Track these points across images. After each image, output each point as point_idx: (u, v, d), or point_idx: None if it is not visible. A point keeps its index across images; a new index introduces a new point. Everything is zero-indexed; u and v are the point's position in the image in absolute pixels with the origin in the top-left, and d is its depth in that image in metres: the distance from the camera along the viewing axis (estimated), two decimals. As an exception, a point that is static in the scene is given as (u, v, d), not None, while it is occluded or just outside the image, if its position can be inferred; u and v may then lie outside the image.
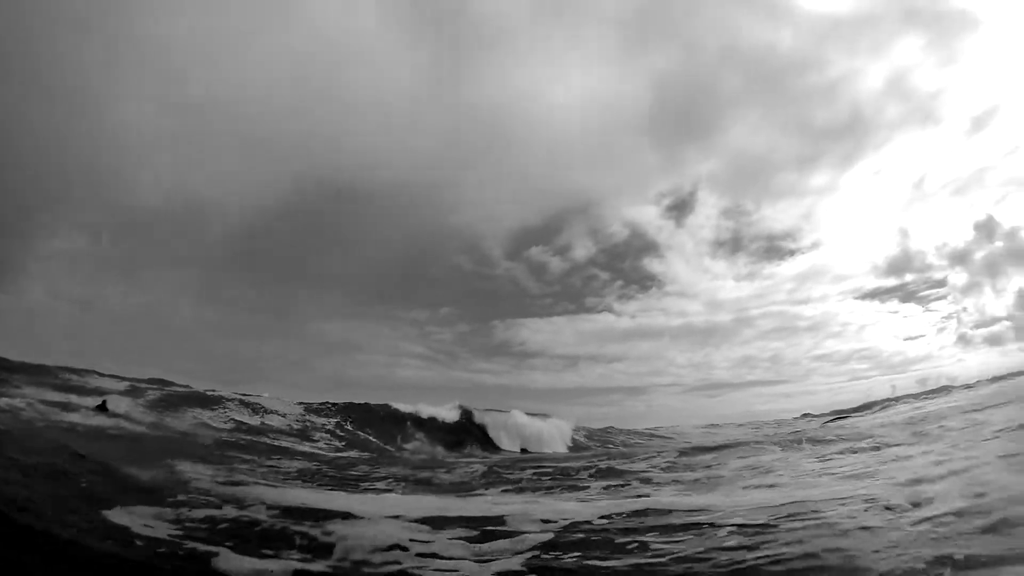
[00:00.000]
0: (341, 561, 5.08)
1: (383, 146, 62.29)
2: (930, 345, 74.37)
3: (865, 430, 16.85)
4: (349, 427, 26.29)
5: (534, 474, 12.35)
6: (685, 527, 6.16)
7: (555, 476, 12.05)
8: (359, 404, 29.98)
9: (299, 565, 4.83)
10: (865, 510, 6.11)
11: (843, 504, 6.49)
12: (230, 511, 6.64)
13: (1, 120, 40.05)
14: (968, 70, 76.54)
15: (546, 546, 5.65)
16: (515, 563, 5.10)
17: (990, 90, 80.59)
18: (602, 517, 6.92)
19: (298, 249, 67.50)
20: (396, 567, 4.96)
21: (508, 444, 31.77)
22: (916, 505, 6.01)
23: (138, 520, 5.69)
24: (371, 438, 25.40)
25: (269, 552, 5.14)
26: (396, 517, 6.73)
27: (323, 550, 5.33)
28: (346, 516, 6.69)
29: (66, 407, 17.10)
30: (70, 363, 25.32)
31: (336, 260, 66.25)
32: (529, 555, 5.33)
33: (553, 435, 34.48)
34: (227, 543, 5.25)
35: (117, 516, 5.74)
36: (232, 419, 22.29)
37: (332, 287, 68.47)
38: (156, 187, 47.89)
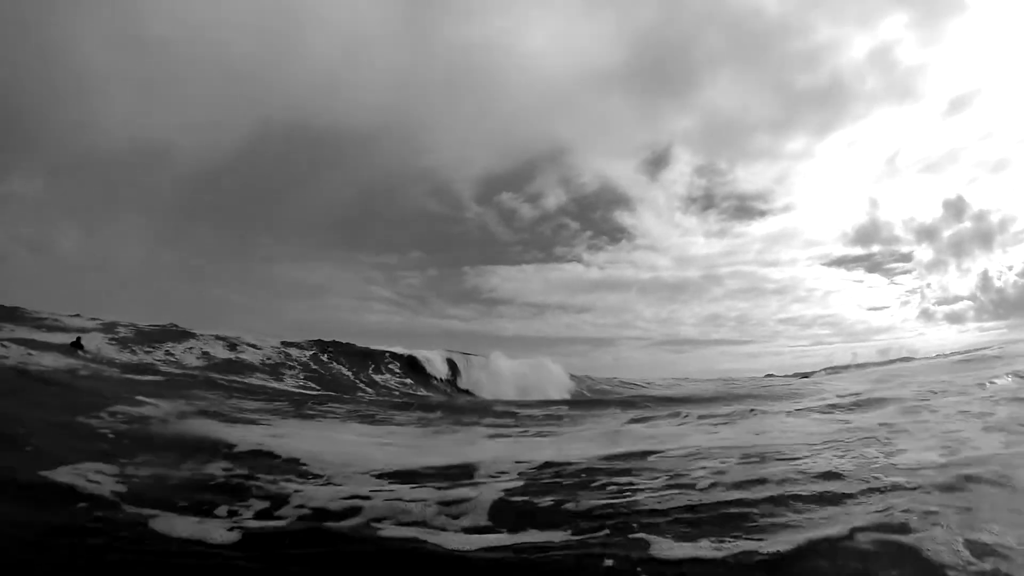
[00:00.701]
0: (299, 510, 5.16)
1: (351, 87, 59.65)
2: (893, 317, 77.69)
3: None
4: (324, 361, 26.60)
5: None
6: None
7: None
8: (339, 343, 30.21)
9: (252, 523, 4.84)
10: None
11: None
12: (184, 462, 6.67)
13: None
14: (951, 51, 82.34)
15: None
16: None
17: (971, 73, 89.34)
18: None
19: (262, 192, 65.87)
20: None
21: (502, 391, 30.80)
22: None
23: (83, 478, 5.68)
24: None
25: (220, 512, 5.13)
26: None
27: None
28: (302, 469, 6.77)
29: (33, 345, 16.89)
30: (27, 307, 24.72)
31: (301, 203, 65.09)
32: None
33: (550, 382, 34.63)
34: (176, 499, 5.28)
35: (64, 475, 5.72)
36: (205, 352, 22.33)
37: (297, 231, 67.34)
38: (115, 128, 45.77)
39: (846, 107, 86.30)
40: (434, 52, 65.88)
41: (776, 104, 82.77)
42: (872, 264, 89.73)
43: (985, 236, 71.01)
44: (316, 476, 6.39)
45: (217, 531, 4.48)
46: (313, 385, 22.01)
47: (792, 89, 78.77)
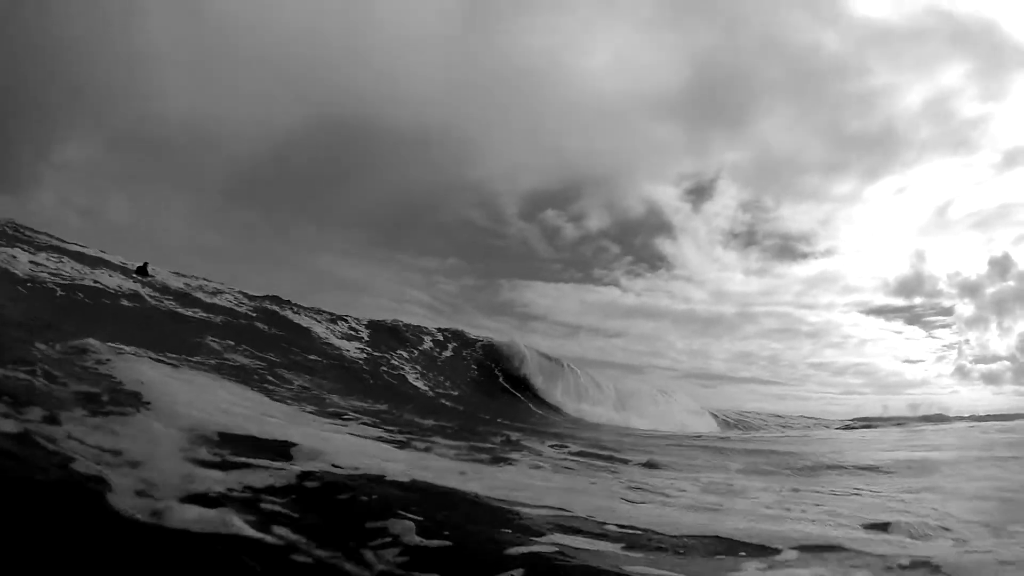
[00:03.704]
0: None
1: (404, 86, 60.06)
2: (927, 372, 73.67)
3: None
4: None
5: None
6: None
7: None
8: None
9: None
10: None
11: None
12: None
13: (25, 27, 39.75)
14: (1012, 104, 72.52)
15: None
16: None
17: None
18: None
19: (308, 184, 67.65)
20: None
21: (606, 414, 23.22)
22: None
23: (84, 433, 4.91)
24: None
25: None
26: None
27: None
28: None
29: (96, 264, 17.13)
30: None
31: (345, 199, 66.15)
32: None
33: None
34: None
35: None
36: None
37: (340, 225, 68.53)
38: (170, 106, 47.46)
39: (898, 153, 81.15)
40: (491, 60, 65.96)
41: (827, 144, 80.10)
42: (911, 316, 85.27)
43: None
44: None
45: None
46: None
47: (844, 131, 75.67)
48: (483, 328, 26.00)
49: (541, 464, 7.72)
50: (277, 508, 3.98)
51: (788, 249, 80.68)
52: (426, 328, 25.05)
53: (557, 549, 3.96)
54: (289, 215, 69.06)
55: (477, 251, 74.10)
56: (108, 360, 7.78)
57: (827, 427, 32.50)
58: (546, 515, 4.80)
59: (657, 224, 79.90)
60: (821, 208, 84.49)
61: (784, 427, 33.40)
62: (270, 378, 11.84)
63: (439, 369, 21.29)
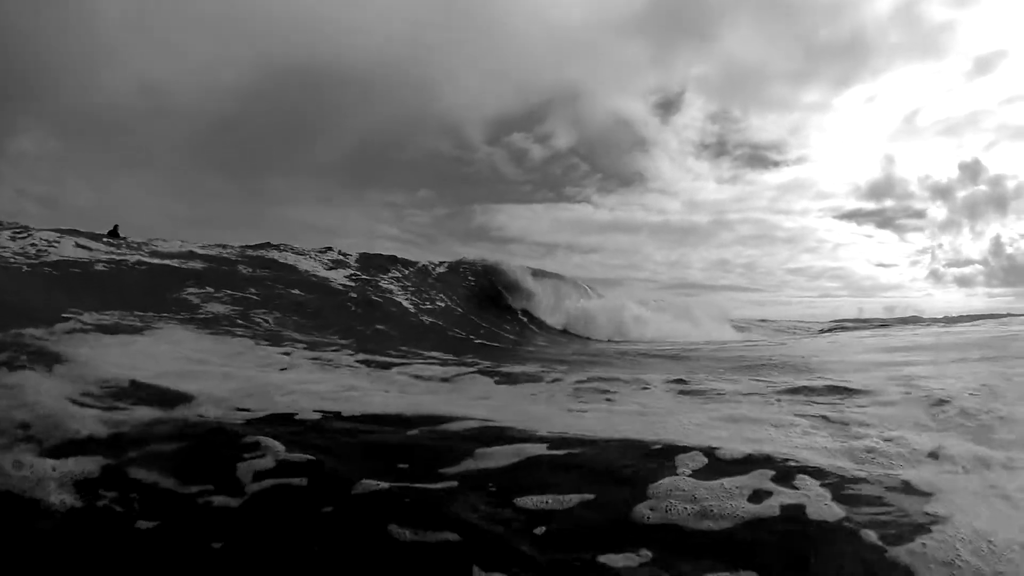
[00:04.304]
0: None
1: (359, 26, 56.02)
2: (901, 275, 74.95)
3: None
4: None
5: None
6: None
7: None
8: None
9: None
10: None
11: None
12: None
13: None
14: (981, 10, 72.25)
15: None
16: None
17: (999, 34, 78.13)
18: None
19: (270, 136, 65.48)
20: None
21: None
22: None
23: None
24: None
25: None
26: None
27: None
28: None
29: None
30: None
31: (311, 146, 64.30)
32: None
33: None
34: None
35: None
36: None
37: (308, 173, 67.32)
38: (119, 77, 44.49)
39: (866, 61, 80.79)
40: (445, -10, 61.19)
41: (795, 54, 79.65)
42: (884, 220, 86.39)
43: (1000, 201, 67.76)
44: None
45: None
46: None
47: (811, 40, 75.57)
48: (461, 256, 25.19)
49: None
50: (149, 451, 3.92)
51: (759, 157, 79.03)
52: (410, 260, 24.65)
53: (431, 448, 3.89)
54: (255, 172, 67.99)
55: (446, 181, 72.62)
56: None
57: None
58: (469, 426, 4.64)
59: (625, 139, 77.44)
60: (790, 117, 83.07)
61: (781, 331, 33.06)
62: (240, 321, 11.88)
63: (425, 292, 21.11)
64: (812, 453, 3.84)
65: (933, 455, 3.77)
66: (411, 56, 62.40)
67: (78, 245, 16.11)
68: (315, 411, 4.90)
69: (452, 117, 68.18)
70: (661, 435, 4.17)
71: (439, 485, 3.38)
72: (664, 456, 3.71)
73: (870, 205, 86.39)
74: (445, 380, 6.94)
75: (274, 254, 20.99)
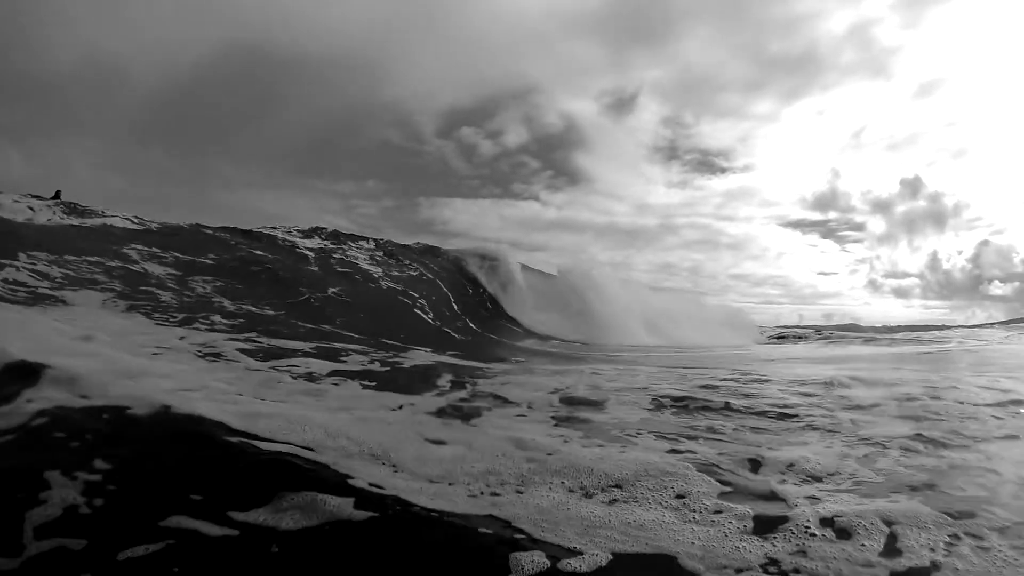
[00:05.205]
0: None
1: (316, 13, 53.91)
2: (841, 283, 76.03)
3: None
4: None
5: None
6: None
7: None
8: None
9: None
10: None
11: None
12: None
13: None
14: (929, 37, 78.71)
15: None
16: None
17: (944, 61, 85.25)
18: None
19: (219, 117, 63.43)
20: None
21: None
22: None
23: None
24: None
25: None
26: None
27: None
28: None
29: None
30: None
31: (260, 130, 62.60)
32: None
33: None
34: None
35: None
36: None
37: (255, 158, 65.43)
38: (72, 46, 42.23)
39: (818, 76, 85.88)
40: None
41: (748, 64, 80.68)
42: (826, 230, 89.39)
43: (938, 217, 74.58)
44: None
45: None
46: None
47: (766, 52, 76.33)
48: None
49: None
50: None
51: (708, 164, 78.89)
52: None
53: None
54: (202, 153, 66.07)
55: (395, 172, 71.03)
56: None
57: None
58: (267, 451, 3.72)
59: (576, 139, 76.39)
60: (741, 125, 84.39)
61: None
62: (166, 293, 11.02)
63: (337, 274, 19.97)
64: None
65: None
66: (367, 44, 60.93)
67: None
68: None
69: (405, 108, 66.66)
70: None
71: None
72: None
73: (814, 215, 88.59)
74: (315, 381, 6.00)
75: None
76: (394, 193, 69.67)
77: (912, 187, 73.16)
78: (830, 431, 4.82)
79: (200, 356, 6.71)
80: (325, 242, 20.54)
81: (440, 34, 65.65)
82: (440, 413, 4.66)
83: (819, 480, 3.61)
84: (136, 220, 17.13)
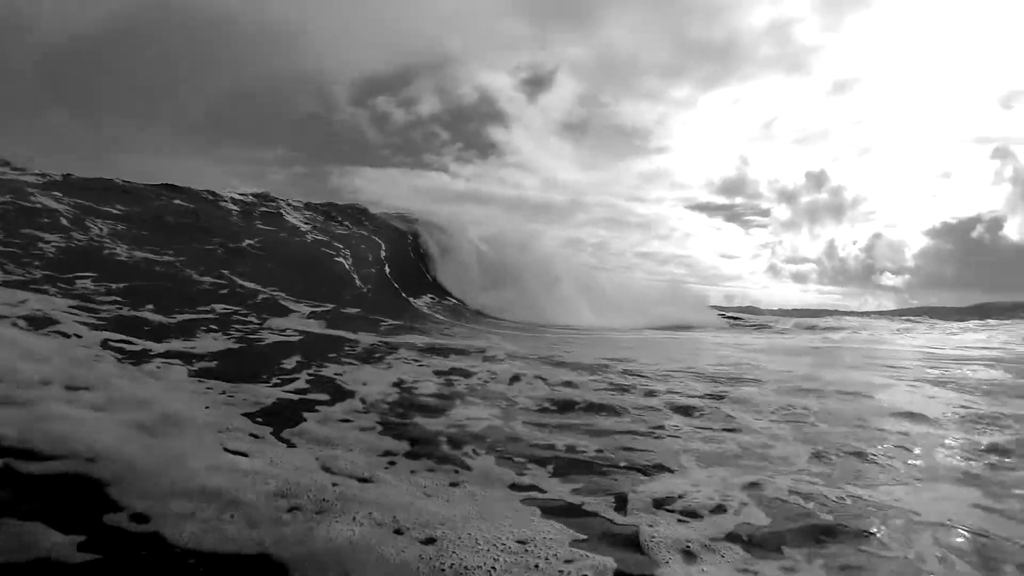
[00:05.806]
0: None
1: None
2: (743, 267, 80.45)
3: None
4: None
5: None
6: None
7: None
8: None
9: None
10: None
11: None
12: None
13: None
14: (846, 39, 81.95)
15: None
16: None
17: (858, 64, 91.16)
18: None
19: (129, 78, 58.71)
20: None
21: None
22: None
23: None
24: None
25: None
26: None
27: None
28: None
29: None
30: None
31: (168, 93, 58.66)
32: None
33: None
34: None
35: None
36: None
37: (163, 120, 61.20)
38: None
39: (736, 67, 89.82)
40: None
41: (669, 49, 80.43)
42: (732, 214, 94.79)
43: (838, 209, 77.81)
44: None
45: None
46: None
47: (687, 38, 75.30)
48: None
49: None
50: None
51: (622, 144, 79.17)
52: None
53: None
54: (106, 113, 61.26)
55: (307, 140, 68.33)
56: None
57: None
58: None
59: (489, 112, 75.30)
60: (657, 109, 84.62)
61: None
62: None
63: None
64: None
65: None
66: (288, 9, 56.87)
67: None
68: None
69: (319, 74, 63.81)
70: None
71: None
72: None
73: (721, 199, 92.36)
74: (143, 361, 5.15)
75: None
76: (304, 161, 67.41)
77: (817, 180, 77.07)
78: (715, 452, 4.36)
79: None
80: (255, 200, 19.21)
81: (361, 1, 61.93)
82: (261, 412, 3.94)
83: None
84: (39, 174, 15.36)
